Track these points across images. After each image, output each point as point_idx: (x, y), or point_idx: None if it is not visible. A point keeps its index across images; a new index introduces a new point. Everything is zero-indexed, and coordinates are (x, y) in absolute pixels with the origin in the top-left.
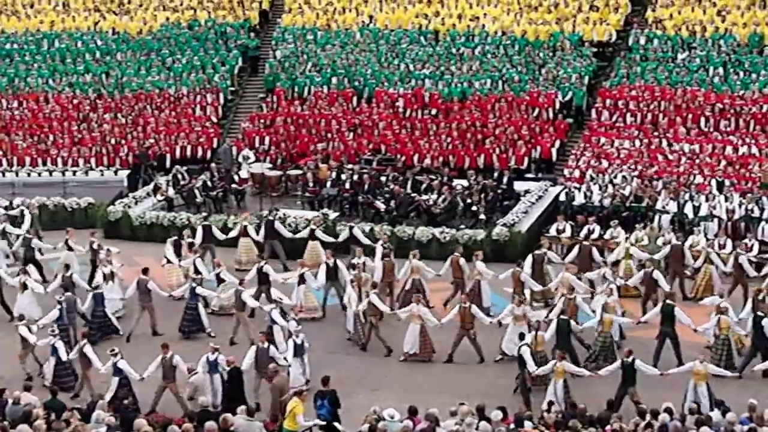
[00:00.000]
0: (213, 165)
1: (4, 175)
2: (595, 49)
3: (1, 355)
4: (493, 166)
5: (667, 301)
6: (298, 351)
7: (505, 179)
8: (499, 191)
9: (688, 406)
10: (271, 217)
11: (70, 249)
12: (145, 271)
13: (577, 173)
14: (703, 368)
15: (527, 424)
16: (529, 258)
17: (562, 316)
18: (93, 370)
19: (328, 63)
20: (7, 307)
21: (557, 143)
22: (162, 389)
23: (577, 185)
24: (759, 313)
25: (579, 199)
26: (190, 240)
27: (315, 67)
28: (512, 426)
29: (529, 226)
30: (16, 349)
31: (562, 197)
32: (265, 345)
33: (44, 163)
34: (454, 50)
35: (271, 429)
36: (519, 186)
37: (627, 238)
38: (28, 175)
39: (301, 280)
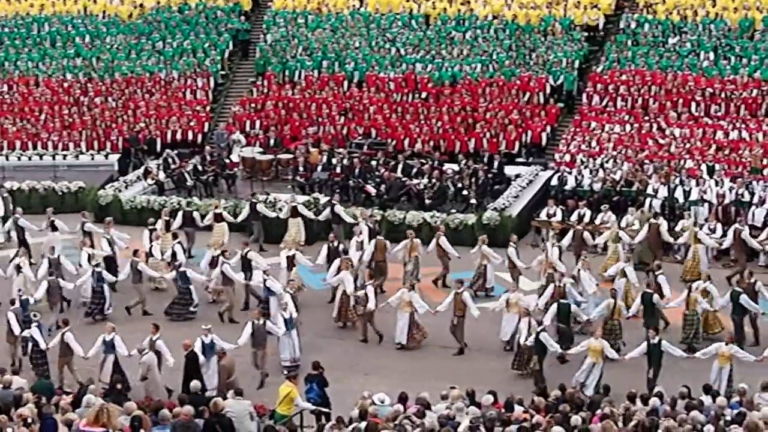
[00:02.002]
0: (207, 148)
1: None
2: (586, 34)
3: None
4: (484, 151)
5: (646, 290)
6: (288, 325)
7: (495, 163)
8: (490, 175)
9: (680, 391)
10: (254, 200)
11: (54, 230)
12: (135, 252)
13: (567, 157)
14: (728, 350)
15: (517, 408)
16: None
17: (562, 300)
18: (75, 357)
19: (319, 47)
20: None
21: (548, 128)
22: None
23: (568, 169)
24: (736, 288)
25: (570, 183)
26: (166, 218)
27: (306, 51)
28: (503, 410)
29: (519, 210)
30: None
31: (554, 181)
32: (261, 321)
33: (34, 147)
34: (444, 34)
35: (263, 413)
36: (510, 170)
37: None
38: (18, 158)
39: (291, 263)
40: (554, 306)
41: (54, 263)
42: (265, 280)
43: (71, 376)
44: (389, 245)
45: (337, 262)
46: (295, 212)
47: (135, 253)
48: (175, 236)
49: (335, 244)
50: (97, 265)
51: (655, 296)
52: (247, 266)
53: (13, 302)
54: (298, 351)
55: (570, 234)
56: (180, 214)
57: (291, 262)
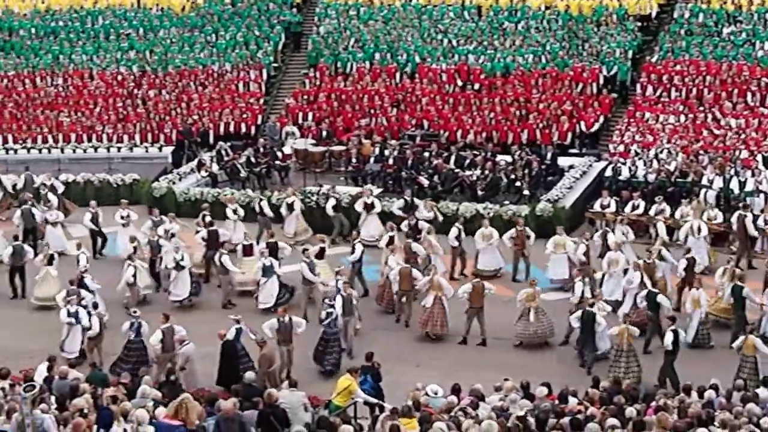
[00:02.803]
0: (260, 141)
1: (50, 152)
2: (639, 24)
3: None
4: (537, 142)
5: (737, 283)
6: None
7: (548, 155)
8: (543, 167)
9: (735, 383)
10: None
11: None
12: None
13: (621, 148)
14: (751, 341)
15: (572, 399)
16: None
17: (652, 290)
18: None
19: (371, 38)
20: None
21: (601, 118)
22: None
23: (622, 160)
24: (738, 282)
25: (624, 174)
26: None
27: (358, 42)
28: (557, 402)
29: (573, 201)
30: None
31: (608, 172)
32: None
33: (89, 140)
34: (497, 25)
35: (317, 404)
36: (563, 161)
37: (621, 220)
38: (74, 151)
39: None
40: (643, 293)
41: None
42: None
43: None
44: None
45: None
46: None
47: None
48: (211, 224)
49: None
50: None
51: (746, 288)
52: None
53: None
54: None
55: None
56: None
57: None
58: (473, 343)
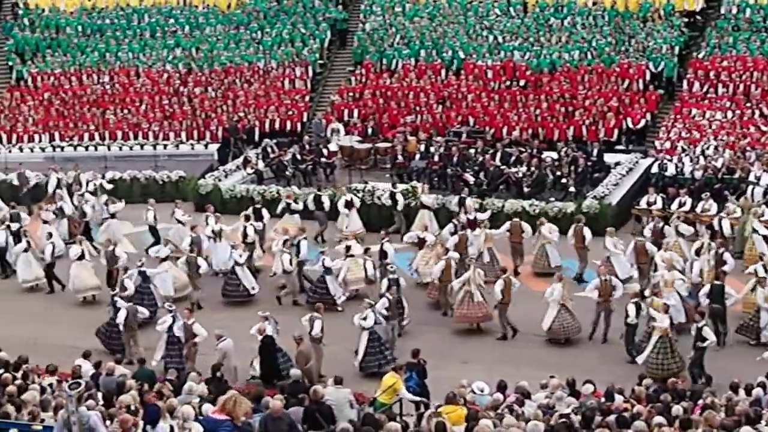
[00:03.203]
0: (306, 138)
1: (96, 149)
2: (686, 19)
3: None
4: (583, 138)
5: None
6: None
7: (595, 151)
8: (589, 163)
9: None
10: (319, 192)
11: (112, 216)
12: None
13: (668, 145)
14: None
15: (618, 397)
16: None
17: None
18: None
19: (417, 35)
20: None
21: (648, 115)
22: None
23: (669, 157)
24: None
25: (670, 170)
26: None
27: (403, 39)
28: (603, 399)
29: (619, 198)
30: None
31: (654, 169)
32: (395, 294)
33: (135, 137)
34: (543, 21)
35: (362, 401)
36: (609, 158)
37: (678, 216)
38: (120, 149)
39: (348, 251)
40: (707, 287)
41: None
42: (323, 260)
43: (135, 348)
44: (526, 227)
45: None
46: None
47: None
48: (247, 218)
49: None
50: (141, 264)
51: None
52: (383, 256)
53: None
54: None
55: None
56: (311, 197)
57: (383, 254)
58: (521, 340)
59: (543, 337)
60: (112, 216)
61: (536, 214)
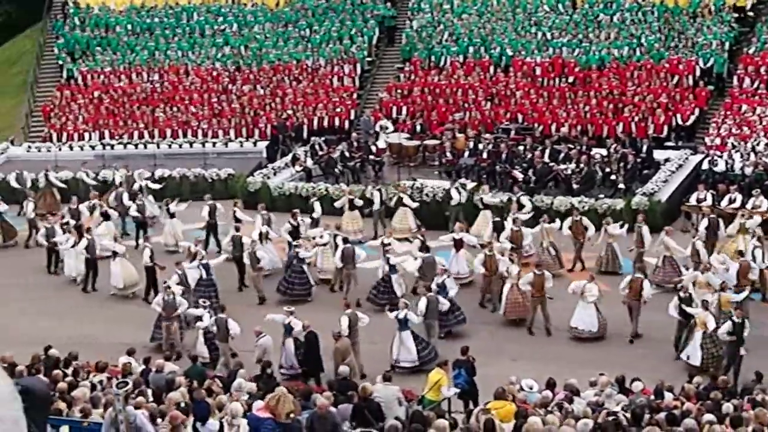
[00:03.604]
0: (354, 135)
1: (145, 147)
2: (736, 15)
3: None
4: (632, 135)
5: None
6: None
7: (644, 148)
8: (639, 160)
9: None
10: (377, 189)
11: (171, 216)
12: (253, 242)
13: (718, 141)
14: None
15: (667, 395)
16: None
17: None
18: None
19: (465, 32)
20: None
21: (697, 111)
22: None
23: (719, 153)
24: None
25: (720, 167)
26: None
27: (452, 36)
28: (652, 397)
29: (669, 195)
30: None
31: (704, 165)
32: (433, 294)
33: (185, 135)
34: (592, 17)
35: (411, 398)
36: (659, 154)
37: (742, 215)
38: (169, 146)
39: (459, 246)
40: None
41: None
42: (388, 258)
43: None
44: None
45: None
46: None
47: (253, 242)
48: (294, 216)
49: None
50: (202, 258)
51: None
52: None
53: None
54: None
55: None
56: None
57: (459, 244)
58: (555, 334)
59: (593, 335)
60: (172, 216)
61: (585, 211)
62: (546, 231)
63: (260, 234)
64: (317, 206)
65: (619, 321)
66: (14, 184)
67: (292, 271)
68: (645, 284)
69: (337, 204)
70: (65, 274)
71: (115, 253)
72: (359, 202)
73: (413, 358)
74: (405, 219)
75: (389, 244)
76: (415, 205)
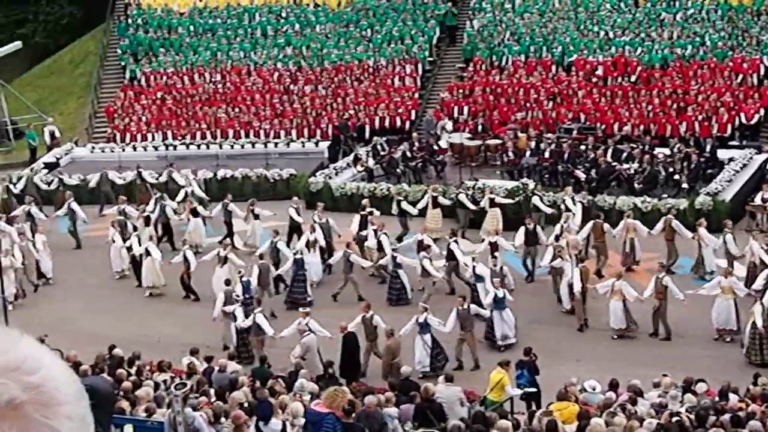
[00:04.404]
0: (414, 135)
1: (208, 148)
2: None
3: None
4: (696, 134)
5: None
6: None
7: (708, 147)
8: (702, 159)
9: None
10: (460, 190)
11: (256, 218)
12: (348, 245)
13: None
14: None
15: (732, 396)
16: None
17: None
18: (267, 338)
19: (527, 31)
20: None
21: (762, 110)
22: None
23: None
24: None
25: None
26: (369, 209)
27: (513, 35)
28: (717, 398)
29: (733, 194)
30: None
31: None
32: (465, 306)
33: (247, 135)
34: (654, 16)
35: (473, 398)
36: (722, 154)
37: None
38: (231, 147)
39: (494, 248)
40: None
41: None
42: (474, 267)
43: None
44: (608, 227)
45: (551, 249)
46: (492, 203)
47: (348, 245)
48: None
49: (532, 226)
50: (296, 253)
51: None
52: (451, 256)
53: (228, 283)
54: (510, 330)
55: None
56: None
57: (494, 247)
58: (635, 338)
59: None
60: (256, 217)
61: (648, 211)
62: (629, 226)
63: (307, 242)
64: (410, 208)
65: (683, 321)
66: (103, 186)
67: (392, 277)
68: (668, 282)
69: (419, 205)
70: (114, 270)
71: (147, 253)
72: (443, 200)
73: (425, 364)
74: (438, 219)
75: (428, 246)
76: (447, 202)
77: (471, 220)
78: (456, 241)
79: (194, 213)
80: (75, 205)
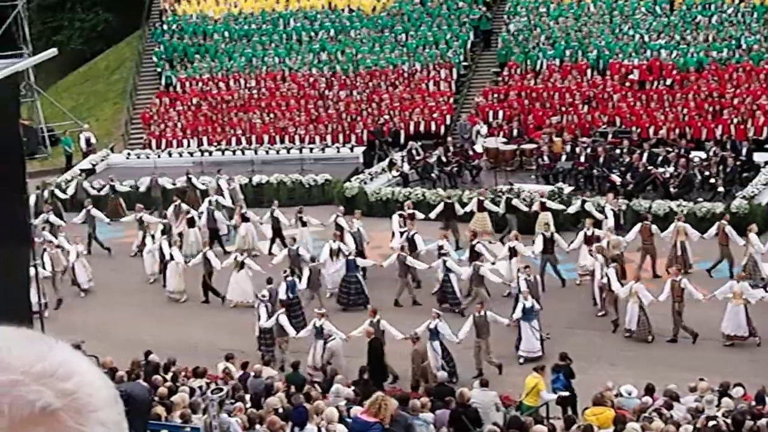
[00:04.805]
0: (449, 140)
1: (243, 153)
2: None
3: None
4: (732, 137)
5: None
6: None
7: (744, 150)
8: (738, 163)
9: None
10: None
11: (303, 225)
12: (402, 248)
13: None
14: None
15: None
16: None
17: None
18: (289, 338)
19: (562, 35)
20: (215, 291)
21: None
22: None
23: None
24: None
25: None
26: (410, 212)
27: (548, 39)
28: (753, 402)
29: None
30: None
31: None
32: (482, 312)
33: (282, 141)
34: (690, 19)
35: (509, 403)
36: (759, 157)
37: None
38: (266, 152)
39: (512, 253)
40: None
41: (293, 254)
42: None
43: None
44: (656, 229)
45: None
46: (543, 207)
47: (402, 248)
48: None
49: (549, 234)
50: (349, 254)
51: None
52: (473, 257)
53: (270, 281)
54: (537, 342)
55: None
56: (441, 205)
57: (513, 252)
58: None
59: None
60: (304, 225)
61: (684, 215)
62: (679, 229)
63: (330, 250)
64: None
65: (714, 325)
66: (153, 192)
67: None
68: (686, 284)
69: (467, 208)
70: (147, 273)
71: (172, 257)
72: (490, 206)
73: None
74: (485, 222)
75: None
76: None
77: (521, 225)
78: (480, 243)
79: (244, 218)
80: (95, 211)
